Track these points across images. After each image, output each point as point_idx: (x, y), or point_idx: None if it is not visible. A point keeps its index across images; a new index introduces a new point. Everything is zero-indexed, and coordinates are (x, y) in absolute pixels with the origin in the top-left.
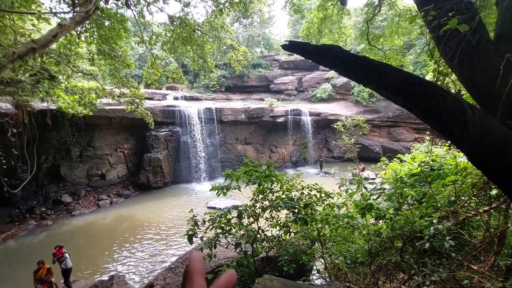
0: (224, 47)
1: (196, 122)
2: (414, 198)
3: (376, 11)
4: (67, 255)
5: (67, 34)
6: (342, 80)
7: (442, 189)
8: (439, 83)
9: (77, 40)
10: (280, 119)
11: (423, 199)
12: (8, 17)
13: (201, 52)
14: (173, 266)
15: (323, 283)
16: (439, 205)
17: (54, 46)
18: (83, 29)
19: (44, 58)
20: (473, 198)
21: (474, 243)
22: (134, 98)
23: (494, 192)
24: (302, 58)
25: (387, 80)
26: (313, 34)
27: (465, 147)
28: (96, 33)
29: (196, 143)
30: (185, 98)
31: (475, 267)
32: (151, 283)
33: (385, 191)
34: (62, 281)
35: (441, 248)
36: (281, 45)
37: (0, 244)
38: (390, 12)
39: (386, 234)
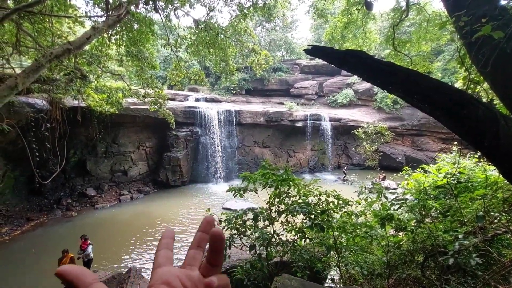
0: (246, 50)
1: (215, 124)
2: (438, 211)
3: (404, 16)
4: (90, 246)
5: (99, 37)
6: (364, 85)
7: (470, 203)
8: (469, 91)
9: (108, 42)
10: (299, 124)
11: (448, 213)
12: (47, 20)
13: (224, 55)
14: None
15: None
16: (465, 220)
17: (86, 47)
18: (114, 31)
19: (78, 58)
20: (504, 214)
21: (503, 262)
22: (158, 98)
23: None
24: (324, 62)
25: (414, 87)
26: (336, 39)
27: (496, 158)
28: (125, 36)
29: (215, 144)
30: (206, 100)
31: None
32: None
33: (407, 201)
34: None
35: (466, 265)
36: (303, 50)
37: (29, 231)
38: (418, 17)
39: (407, 247)
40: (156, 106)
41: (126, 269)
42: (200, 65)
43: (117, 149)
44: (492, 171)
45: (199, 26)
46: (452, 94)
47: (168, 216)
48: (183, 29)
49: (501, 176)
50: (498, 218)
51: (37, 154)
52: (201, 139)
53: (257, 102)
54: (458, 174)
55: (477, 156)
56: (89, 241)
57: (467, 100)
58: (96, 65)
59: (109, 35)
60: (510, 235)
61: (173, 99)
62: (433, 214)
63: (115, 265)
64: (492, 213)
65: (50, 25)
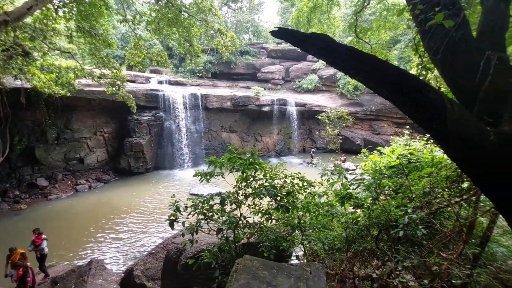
0: (212, 31)
1: (180, 108)
2: (391, 189)
3: (365, 4)
4: (45, 242)
5: (43, 8)
6: (328, 71)
7: (418, 181)
8: (422, 77)
9: (55, 15)
10: (266, 108)
11: (400, 190)
12: None
13: (188, 35)
14: (153, 251)
15: (302, 263)
16: (414, 196)
17: (29, 20)
18: (61, 3)
19: (18, 32)
20: (446, 190)
21: (444, 232)
22: (115, 80)
23: (466, 184)
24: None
25: (373, 72)
26: (302, 23)
27: (443, 141)
28: (75, 9)
29: (180, 129)
30: (170, 83)
31: (445, 255)
32: (131, 268)
33: (364, 181)
34: (38, 266)
35: (413, 236)
36: (270, 32)
37: None
38: (378, 5)
39: (363, 223)
40: (114, 89)
41: (87, 262)
42: (163, 45)
43: (70, 135)
44: (438, 152)
45: (160, 2)
46: (407, 80)
47: (131, 205)
48: (142, 4)
49: (445, 156)
50: (441, 194)
51: None
52: (166, 124)
53: (224, 86)
54: (409, 155)
55: (425, 139)
56: (43, 235)
57: (420, 85)
58: (40, 41)
59: (55, 7)
60: (450, 208)
61: (133, 81)
62: (386, 192)
63: (74, 258)
64: (436, 189)
65: None
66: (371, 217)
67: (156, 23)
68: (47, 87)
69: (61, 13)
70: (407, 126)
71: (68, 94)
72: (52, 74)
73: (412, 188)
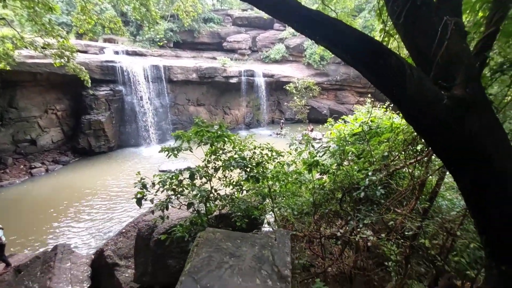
0: None
1: (141, 81)
2: (354, 154)
3: None
4: (0, 230)
5: None
6: (295, 41)
7: (378, 145)
8: (384, 43)
9: None
10: (234, 80)
11: (362, 155)
12: None
13: None
14: (124, 230)
15: (268, 230)
16: (374, 160)
17: None
18: None
19: None
20: (402, 152)
21: (400, 191)
22: (63, 50)
23: (419, 147)
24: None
25: (339, 37)
26: None
27: (402, 105)
28: None
29: (143, 104)
30: (128, 53)
31: (399, 211)
32: (101, 249)
33: (330, 149)
34: None
35: (373, 196)
36: None
37: None
38: None
39: (329, 187)
40: (62, 60)
41: (52, 247)
42: (116, 10)
43: (17, 115)
44: (396, 118)
45: None
46: (371, 45)
47: (95, 186)
48: None
49: (402, 121)
50: (398, 156)
51: None
52: (127, 99)
53: (188, 56)
54: (370, 123)
55: (385, 107)
56: None
57: (383, 50)
58: None
59: None
60: (406, 169)
61: (85, 52)
62: (350, 157)
63: (38, 246)
64: (394, 153)
65: None
66: (336, 181)
67: None
68: None
69: None
70: (369, 95)
71: (8, 68)
72: None
73: (372, 152)
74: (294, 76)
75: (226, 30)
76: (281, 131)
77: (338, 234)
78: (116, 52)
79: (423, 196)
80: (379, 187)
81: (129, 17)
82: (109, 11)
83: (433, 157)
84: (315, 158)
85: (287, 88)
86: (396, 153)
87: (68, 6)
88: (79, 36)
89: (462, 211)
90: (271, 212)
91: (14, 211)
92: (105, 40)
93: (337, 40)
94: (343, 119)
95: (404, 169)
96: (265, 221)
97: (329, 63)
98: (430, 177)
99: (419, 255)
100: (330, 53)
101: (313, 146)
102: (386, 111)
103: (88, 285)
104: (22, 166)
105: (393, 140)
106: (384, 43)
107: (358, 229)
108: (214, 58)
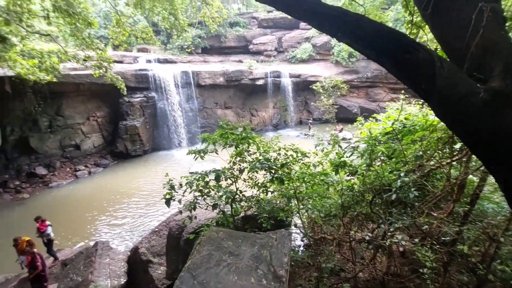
0: (198, 2)
1: (172, 87)
2: (384, 154)
3: None
4: (50, 228)
5: None
6: (322, 39)
7: (412, 145)
8: (412, 36)
9: None
10: (260, 82)
11: (393, 155)
12: None
13: (171, 7)
14: (157, 229)
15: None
16: (407, 160)
17: (1, 2)
18: None
19: None
20: (438, 152)
21: (435, 193)
22: (102, 62)
23: (458, 145)
24: (282, 15)
25: (360, 32)
26: None
27: (432, 100)
28: None
29: (174, 109)
30: (159, 61)
31: (435, 214)
32: (136, 246)
33: (358, 149)
34: (46, 251)
35: (406, 198)
36: None
37: None
38: None
39: (358, 189)
40: (101, 71)
41: (93, 243)
42: (148, 21)
43: (63, 122)
44: (433, 115)
45: None
46: (395, 38)
47: (131, 188)
48: None
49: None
50: (433, 156)
51: None
52: (159, 104)
53: (215, 61)
54: (404, 120)
55: (420, 103)
56: (47, 222)
57: (408, 43)
58: (17, 24)
59: None
60: (442, 169)
61: (121, 62)
62: (381, 158)
63: (81, 241)
64: (428, 152)
65: None
66: (366, 183)
67: None
68: (31, 73)
69: None
70: (403, 91)
71: (55, 80)
72: (34, 59)
73: (405, 152)
74: (322, 75)
75: (252, 33)
76: (309, 132)
77: (367, 238)
78: (149, 61)
79: (464, 199)
80: (412, 189)
81: (160, 27)
82: (142, 22)
83: (473, 156)
84: (342, 159)
85: (313, 87)
86: (431, 153)
87: (106, 20)
88: (116, 47)
89: (509, 215)
90: (298, 214)
91: (62, 209)
92: (138, 50)
93: (359, 36)
94: (374, 117)
95: (440, 170)
96: (293, 222)
97: (359, 59)
98: (472, 177)
99: (458, 262)
100: None
101: (340, 147)
102: (422, 107)
103: (125, 280)
104: (68, 169)
105: (428, 139)
106: (413, 36)
107: (390, 233)
108: (241, 61)
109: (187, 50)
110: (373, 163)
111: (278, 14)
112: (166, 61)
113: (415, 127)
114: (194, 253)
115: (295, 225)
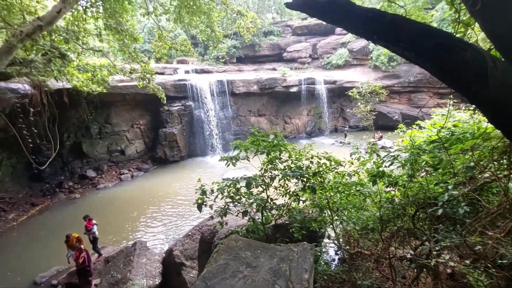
0: (234, 14)
1: (208, 95)
2: (429, 165)
3: None
4: (95, 226)
5: (73, 10)
6: (359, 44)
7: (461, 154)
8: (459, 35)
9: (84, 16)
10: (293, 89)
11: (439, 166)
12: None
13: (208, 20)
14: (190, 233)
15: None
16: (456, 171)
17: (61, 23)
18: (88, 4)
19: (53, 36)
20: (493, 163)
21: (490, 209)
22: (145, 74)
23: None
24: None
25: (398, 33)
26: None
27: (484, 103)
28: (101, 7)
29: (210, 117)
30: (196, 71)
31: (490, 233)
32: (170, 248)
33: (399, 158)
34: (92, 247)
35: (455, 214)
36: (284, 4)
37: (36, 216)
38: None
39: (399, 201)
40: (144, 82)
41: (132, 243)
42: (187, 35)
43: (111, 129)
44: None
45: None
46: (437, 38)
47: (168, 191)
48: None
49: (490, 125)
50: (488, 167)
51: (29, 140)
52: (195, 112)
53: (249, 70)
54: (453, 128)
55: (472, 109)
56: (94, 221)
57: (454, 43)
58: (74, 42)
59: (84, 8)
60: (498, 182)
61: (162, 73)
62: (426, 168)
63: (122, 240)
64: (481, 163)
65: (19, 1)
66: (407, 195)
67: (177, 12)
68: (85, 85)
69: (89, 14)
70: (451, 96)
71: (104, 91)
72: (87, 73)
73: (454, 162)
74: (359, 81)
75: (286, 41)
76: (345, 140)
77: (410, 255)
78: (187, 72)
79: None
80: (462, 204)
81: (198, 40)
82: (181, 36)
83: None
84: (380, 169)
85: (350, 94)
86: (485, 164)
87: (149, 35)
88: (158, 60)
89: None
90: (332, 226)
91: (107, 209)
92: (178, 62)
93: (396, 37)
94: (417, 124)
95: (496, 183)
96: (326, 234)
97: (400, 63)
98: None
99: None
100: None
101: (379, 156)
102: (474, 113)
103: (160, 281)
104: (114, 172)
105: (481, 148)
106: (459, 35)
107: (436, 252)
108: (274, 69)
109: (222, 60)
110: (416, 174)
111: (312, 21)
112: (203, 71)
113: (465, 134)
114: (211, 261)
115: (329, 237)
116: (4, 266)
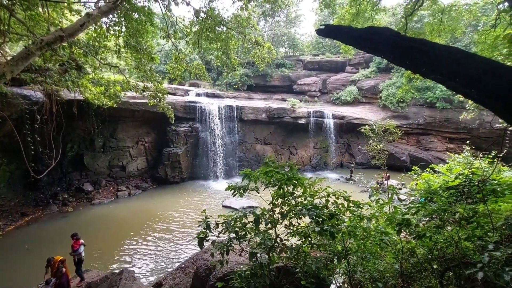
0: (249, 44)
1: (216, 119)
2: (461, 216)
3: (417, 7)
4: (82, 247)
5: (96, 27)
6: (369, 82)
7: (500, 207)
8: None
9: (106, 33)
10: (302, 121)
11: (473, 219)
12: (41, 9)
13: (225, 47)
14: (183, 266)
15: None
16: (494, 227)
17: (84, 37)
18: (113, 22)
19: (73, 48)
20: None
21: None
22: (157, 92)
23: None
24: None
25: (456, 68)
26: None
27: None
28: (124, 27)
29: (215, 140)
30: (207, 95)
31: None
32: (160, 282)
33: (426, 206)
34: (75, 270)
35: (497, 279)
36: (315, 30)
37: (24, 227)
38: (432, 7)
39: (422, 255)
40: (155, 100)
41: (119, 270)
42: (202, 60)
43: (115, 144)
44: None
45: (200, 17)
46: (503, 75)
47: (165, 214)
48: (183, 19)
49: None
50: None
51: (32, 147)
52: (202, 135)
53: (259, 98)
54: (471, 175)
55: (490, 157)
56: (81, 241)
57: None
58: (93, 56)
59: (107, 25)
60: None
61: (174, 94)
62: (456, 219)
63: (109, 264)
64: None
65: (47, 14)
66: (433, 249)
67: (196, 37)
68: (97, 98)
69: (111, 32)
70: (468, 142)
71: (115, 106)
72: (101, 87)
73: (492, 216)
74: (367, 118)
75: (297, 74)
76: (351, 176)
77: None
78: (198, 94)
79: None
80: (507, 268)
81: (212, 65)
82: (197, 60)
83: None
84: (406, 216)
85: (362, 130)
86: None
87: (166, 57)
88: (171, 81)
89: None
90: (343, 275)
91: (98, 228)
92: (190, 84)
93: (453, 72)
94: (432, 168)
95: None
96: (334, 283)
97: (409, 105)
98: None
99: None
100: (412, 94)
101: (400, 200)
102: (493, 161)
103: None
104: (111, 188)
105: None
106: None
107: None
108: (284, 100)
109: (234, 86)
110: (445, 225)
111: (324, 58)
112: (213, 96)
113: (501, 185)
114: None
115: (338, 287)
116: None
